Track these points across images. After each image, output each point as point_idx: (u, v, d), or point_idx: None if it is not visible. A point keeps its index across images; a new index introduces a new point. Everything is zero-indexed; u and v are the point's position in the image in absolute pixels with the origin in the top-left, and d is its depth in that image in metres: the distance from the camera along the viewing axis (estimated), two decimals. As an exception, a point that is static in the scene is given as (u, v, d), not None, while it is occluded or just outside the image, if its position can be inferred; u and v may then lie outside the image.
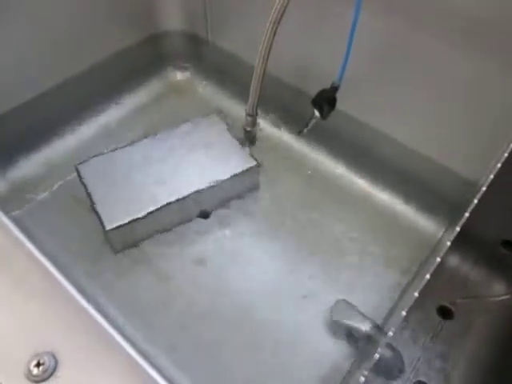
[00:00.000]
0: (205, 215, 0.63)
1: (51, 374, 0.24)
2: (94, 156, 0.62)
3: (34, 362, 0.24)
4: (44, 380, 0.24)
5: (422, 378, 0.50)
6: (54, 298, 0.27)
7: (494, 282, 0.57)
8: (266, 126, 0.74)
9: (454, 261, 0.59)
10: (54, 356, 0.24)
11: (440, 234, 0.61)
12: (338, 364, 0.51)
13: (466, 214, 0.38)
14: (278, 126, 0.75)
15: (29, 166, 0.67)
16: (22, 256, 0.30)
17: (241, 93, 0.76)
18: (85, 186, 0.58)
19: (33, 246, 0.30)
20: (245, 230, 0.62)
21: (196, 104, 0.79)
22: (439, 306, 0.56)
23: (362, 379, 0.31)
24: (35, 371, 0.24)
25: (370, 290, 0.56)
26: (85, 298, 0.29)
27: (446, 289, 0.57)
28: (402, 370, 0.51)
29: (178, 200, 0.57)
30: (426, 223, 0.63)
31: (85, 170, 0.60)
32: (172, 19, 0.79)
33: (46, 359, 0.24)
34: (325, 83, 0.55)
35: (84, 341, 0.26)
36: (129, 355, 0.26)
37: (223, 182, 0.60)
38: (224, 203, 0.64)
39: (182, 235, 0.61)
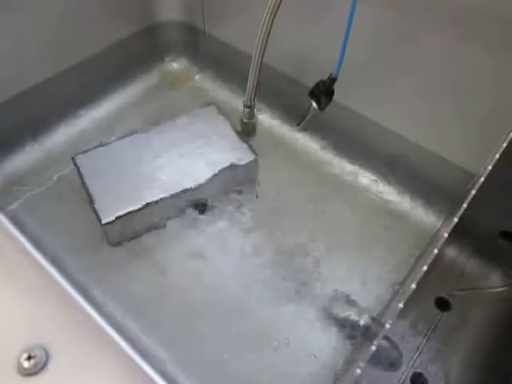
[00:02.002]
0: (202, 208, 0.62)
1: (42, 368, 0.24)
2: (92, 148, 0.61)
3: (25, 356, 0.24)
4: (35, 373, 0.23)
5: (420, 370, 0.50)
6: (46, 291, 0.27)
7: (492, 274, 0.57)
8: (263, 118, 0.74)
9: (451, 252, 0.59)
10: (45, 350, 0.24)
11: (438, 225, 0.61)
12: (335, 357, 0.51)
13: (464, 205, 0.37)
14: (275, 118, 0.74)
15: (25, 159, 0.66)
16: (14, 250, 0.29)
17: (238, 84, 0.76)
18: (82, 177, 0.58)
19: (25, 238, 0.30)
20: (243, 222, 0.62)
21: (193, 95, 0.79)
22: (437, 298, 0.56)
23: (358, 371, 0.31)
24: (26, 364, 0.23)
25: (367, 282, 0.56)
26: (79, 291, 0.28)
27: (443, 280, 0.57)
28: (399, 362, 0.51)
29: (175, 192, 0.57)
30: (424, 214, 0.62)
31: (82, 162, 0.59)
32: (169, 10, 0.78)
33: (37, 352, 0.24)
34: (322, 75, 0.54)
35: (76, 334, 0.25)
36: (122, 349, 0.26)
37: (221, 174, 0.59)
38: (222, 195, 0.63)
39: (180, 228, 0.61)
